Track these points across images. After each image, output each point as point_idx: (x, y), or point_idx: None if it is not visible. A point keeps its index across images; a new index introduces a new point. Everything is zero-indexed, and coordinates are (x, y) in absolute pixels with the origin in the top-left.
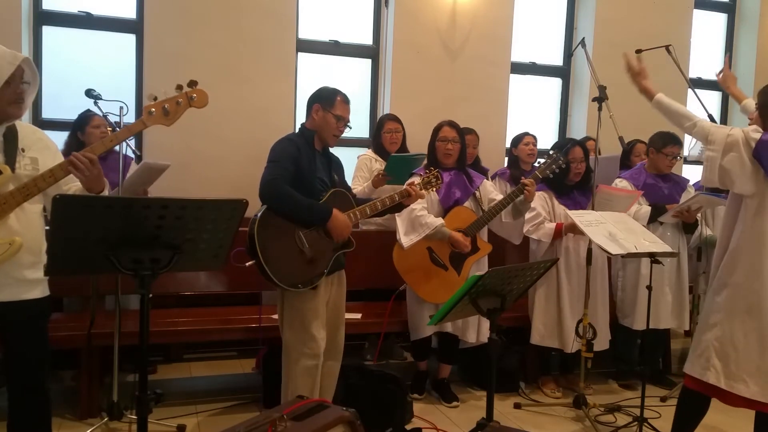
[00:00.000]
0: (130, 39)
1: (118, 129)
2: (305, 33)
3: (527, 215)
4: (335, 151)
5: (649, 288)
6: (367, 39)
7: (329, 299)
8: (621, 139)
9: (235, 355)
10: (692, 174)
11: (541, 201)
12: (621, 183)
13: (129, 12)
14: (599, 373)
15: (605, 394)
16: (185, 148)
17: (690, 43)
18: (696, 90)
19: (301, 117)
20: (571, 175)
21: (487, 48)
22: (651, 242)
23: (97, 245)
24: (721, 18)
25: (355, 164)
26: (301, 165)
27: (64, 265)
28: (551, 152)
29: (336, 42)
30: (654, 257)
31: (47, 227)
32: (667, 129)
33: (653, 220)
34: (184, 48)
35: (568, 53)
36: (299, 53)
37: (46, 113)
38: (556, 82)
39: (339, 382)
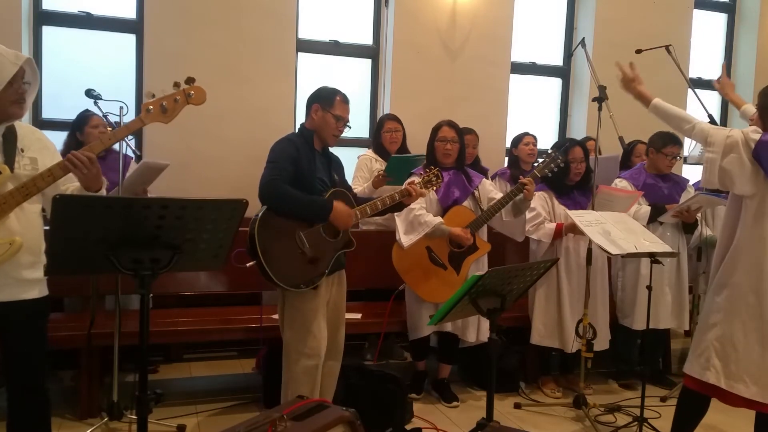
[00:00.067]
0: (130, 39)
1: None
2: (305, 33)
3: (527, 215)
4: (335, 150)
5: (649, 288)
6: (367, 39)
7: (330, 299)
8: (621, 139)
9: (235, 355)
10: (692, 175)
11: (541, 201)
12: (621, 183)
13: (129, 12)
14: (599, 373)
15: (605, 394)
16: (185, 148)
17: (690, 43)
18: (696, 90)
19: (301, 117)
20: (571, 175)
21: (487, 48)
22: (651, 242)
23: (97, 245)
24: (721, 18)
25: (355, 164)
26: (301, 165)
27: (64, 265)
28: (550, 151)
29: (336, 42)
30: (654, 257)
31: (46, 227)
32: (666, 129)
33: (653, 220)
34: (184, 48)
35: (568, 53)
36: (299, 53)
37: (46, 113)
38: (556, 82)
39: (339, 382)
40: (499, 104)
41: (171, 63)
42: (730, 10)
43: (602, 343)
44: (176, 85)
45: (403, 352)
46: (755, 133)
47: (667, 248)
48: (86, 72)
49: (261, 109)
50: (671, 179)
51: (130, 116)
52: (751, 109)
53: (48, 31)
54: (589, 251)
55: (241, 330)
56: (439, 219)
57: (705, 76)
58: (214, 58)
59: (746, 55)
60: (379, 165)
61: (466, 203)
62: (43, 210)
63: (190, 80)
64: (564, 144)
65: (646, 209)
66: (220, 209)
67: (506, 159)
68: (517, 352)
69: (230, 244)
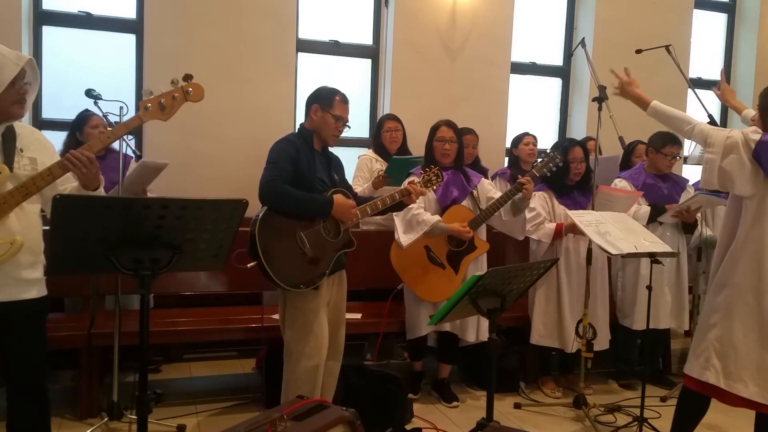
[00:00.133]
0: (130, 39)
1: None
2: (305, 33)
3: (528, 215)
4: (335, 150)
5: (649, 288)
6: (367, 39)
7: (330, 299)
8: (621, 139)
9: (235, 355)
10: (692, 175)
11: (541, 201)
12: (620, 183)
13: (129, 12)
14: (599, 373)
15: (605, 394)
16: (185, 148)
17: (690, 43)
18: (696, 90)
19: (300, 117)
20: (571, 175)
21: (487, 48)
22: (651, 242)
23: (97, 245)
24: (721, 18)
25: (355, 164)
26: (300, 165)
27: (64, 265)
28: (549, 151)
29: (336, 42)
30: (654, 257)
31: (45, 227)
32: (666, 129)
33: (653, 220)
34: (184, 48)
35: (568, 53)
36: (299, 53)
37: (46, 113)
38: (556, 82)
39: (339, 382)
40: (499, 104)
41: (171, 63)
42: (730, 10)
43: (602, 343)
44: (174, 82)
45: (403, 352)
46: (755, 134)
47: (667, 248)
48: (86, 72)
49: (261, 109)
50: (671, 179)
51: (130, 116)
52: (751, 113)
53: (48, 31)
54: (589, 251)
55: (241, 330)
56: (437, 217)
57: (705, 76)
58: (214, 58)
59: (746, 55)
60: (379, 165)
61: (464, 203)
62: (42, 210)
63: (187, 77)
64: (563, 144)
65: (645, 209)
66: (220, 209)
67: (506, 159)
68: (517, 352)
69: (230, 244)
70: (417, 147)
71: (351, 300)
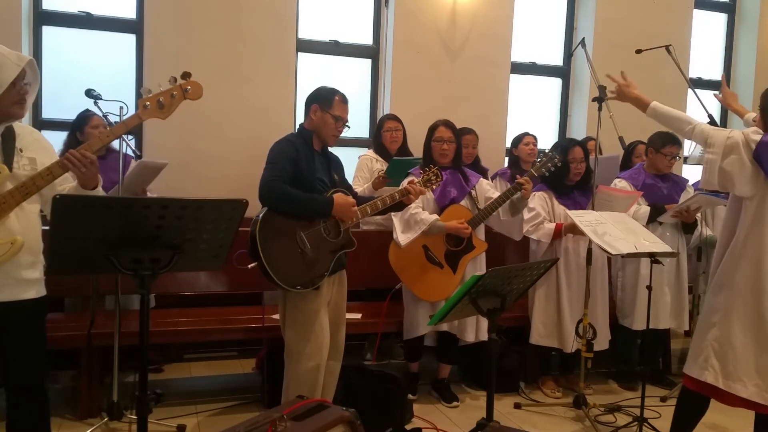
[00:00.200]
0: (130, 39)
1: None
2: (305, 33)
3: (527, 215)
4: (335, 150)
5: (649, 288)
6: (367, 39)
7: (330, 299)
8: (621, 139)
9: (235, 355)
10: (692, 175)
11: (540, 201)
12: (620, 183)
13: (129, 12)
14: (599, 373)
15: (605, 394)
16: (185, 148)
17: (690, 43)
18: (696, 90)
19: (300, 117)
20: (570, 175)
21: (487, 48)
22: (651, 242)
23: (97, 245)
24: (721, 18)
25: (355, 164)
26: (300, 166)
27: (64, 265)
28: (547, 150)
29: (336, 42)
30: (654, 257)
31: (45, 227)
32: (666, 129)
33: (652, 220)
34: (184, 48)
35: (568, 53)
36: (299, 53)
37: (46, 113)
38: (556, 82)
39: (339, 382)
40: (499, 104)
41: (171, 63)
42: (730, 10)
43: (602, 343)
44: (173, 80)
45: (403, 352)
46: (756, 134)
47: (667, 248)
48: (86, 72)
49: (261, 109)
50: (671, 179)
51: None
52: (753, 116)
53: (48, 31)
54: (589, 251)
55: (241, 330)
56: (435, 216)
57: (705, 76)
58: (214, 58)
59: (746, 55)
60: (379, 165)
61: (463, 202)
62: (41, 210)
63: (186, 75)
64: (562, 143)
65: (645, 209)
66: (220, 209)
67: (506, 159)
68: (517, 352)
69: (230, 244)
70: (417, 147)
71: (351, 300)
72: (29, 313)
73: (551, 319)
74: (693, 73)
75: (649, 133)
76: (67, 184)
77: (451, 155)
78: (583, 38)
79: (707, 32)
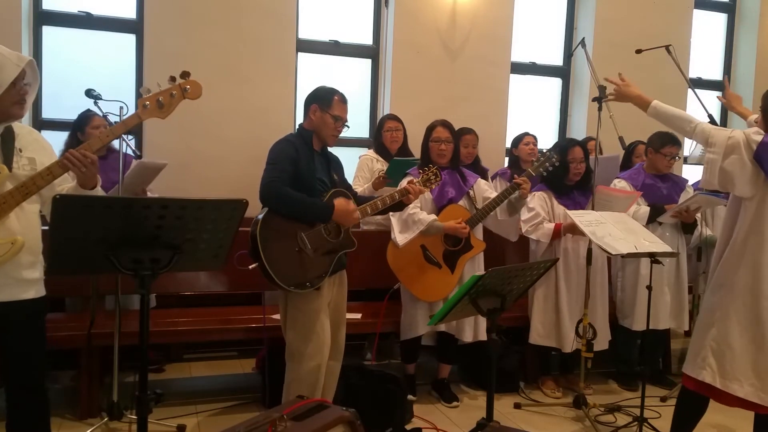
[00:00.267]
0: (130, 39)
1: None
2: (305, 33)
3: (526, 215)
4: (335, 150)
5: (649, 288)
6: (367, 39)
7: (331, 299)
8: (621, 139)
9: (235, 355)
10: (692, 175)
11: (540, 201)
12: (620, 183)
13: (129, 12)
14: (599, 373)
15: (605, 394)
16: (185, 148)
17: (690, 43)
18: (696, 90)
19: (301, 117)
20: (570, 175)
21: (487, 48)
22: (651, 242)
23: (97, 245)
24: (721, 18)
25: (355, 164)
26: (300, 166)
27: (64, 265)
28: (545, 150)
29: (336, 42)
30: (654, 257)
31: (44, 227)
32: (666, 129)
33: (652, 221)
34: (184, 48)
35: (568, 53)
36: (299, 53)
37: (46, 113)
38: (556, 82)
39: (339, 382)
40: (499, 104)
41: (171, 63)
42: (730, 10)
43: (601, 343)
44: (172, 79)
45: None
46: (757, 135)
47: (667, 248)
48: (86, 72)
49: (261, 109)
50: (670, 179)
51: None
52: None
53: (48, 31)
54: (589, 251)
55: (241, 330)
56: (433, 216)
57: (705, 76)
58: (214, 58)
59: (746, 55)
60: (380, 165)
61: (461, 202)
62: (40, 211)
63: (185, 74)
64: (561, 143)
65: (645, 209)
66: (220, 209)
67: (506, 159)
68: (517, 352)
69: (230, 244)
70: (417, 147)
71: (351, 300)
72: (29, 313)
73: (550, 319)
74: (693, 73)
75: (649, 133)
76: (65, 184)
77: (449, 155)
78: (583, 38)
79: (707, 32)
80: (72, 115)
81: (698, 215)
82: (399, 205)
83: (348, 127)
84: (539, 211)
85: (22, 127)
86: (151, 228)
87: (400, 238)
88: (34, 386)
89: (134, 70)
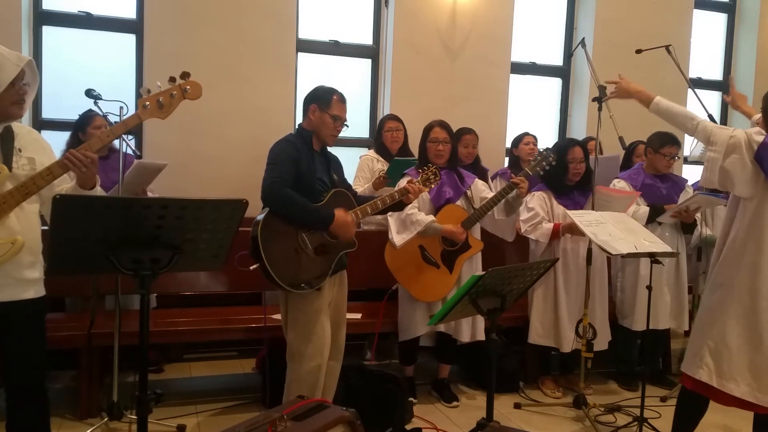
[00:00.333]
0: (130, 39)
1: None
2: (305, 33)
3: (526, 215)
4: (335, 150)
5: (649, 288)
6: (367, 39)
7: (331, 299)
8: (621, 139)
9: (235, 355)
10: (692, 175)
11: (539, 201)
12: (619, 183)
13: (129, 12)
14: (599, 373)
15: (605, 394)
16: (185, 148)
17: (690, 43)
18: (696, 90)
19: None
20: (570, 175)
21: (487, 48)
22: (651, 242)
23: (97, 245)
24: (721, 18)
25: (355, 164)
26: (301, 166)
27: (64, 265)
28: (542, 149)
29: (336, 42)
30: (654, 257)
31: (44, 227)
32: (666, 129)
33: (652, 221)
34: (184, 48)
35: (568, 53)
36: (299, 53)
37: (46, 113)
38: (556, 82)
39: (339, 382)
40: (499, 104)
41: (171, 63)
42: (730, 10)
43: (601, 343)
44: (172, 80)
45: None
46: (759, 135)
47: (667, 248)
48: (86, 72)
49: (261, 109)
50: (670, 179)
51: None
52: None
53: (48, 31)
54: (589, 251)
55: (241, 330)
56: (431, 217)
57: (705, 76)
58: (214, 58)
59: (746, 55)
60: (380, 165)
61: (458, 203)
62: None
63: (185, 75)
64: (561, 143)
65: (644, 210)
66: (220, 209)
67: (506, 159)
68: (517, 352)
69: (230, 244)
70: (416, 148)
71: (351, 300)
72: (29, 313)
73: (549, 319)
74: (693, 73)
75: (649, 134)
76: (64, 184)
77: (447, 156)
78: (583, 38)
79: (707, 32)
80: (72, 116)
81: (698, 215)
82: (399, 205)
83: (347, 126)
84: (538, 210)
85: (22, 127)
86: (151, 228)
87: (397, 238)
88: (34, 386)
89: (134, 70)
